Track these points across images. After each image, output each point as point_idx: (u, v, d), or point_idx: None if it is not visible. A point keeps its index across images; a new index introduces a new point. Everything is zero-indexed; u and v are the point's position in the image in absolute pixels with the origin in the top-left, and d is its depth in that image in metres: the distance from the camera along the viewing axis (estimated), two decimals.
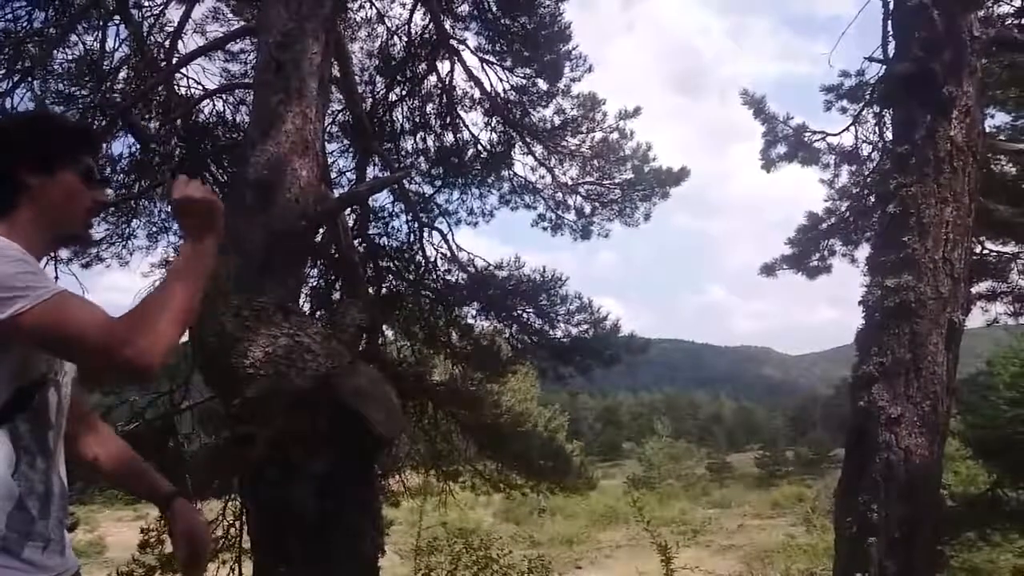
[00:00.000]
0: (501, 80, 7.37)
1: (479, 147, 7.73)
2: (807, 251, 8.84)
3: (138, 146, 6.31)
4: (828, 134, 8.27)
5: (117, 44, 6.20)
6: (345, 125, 7.27)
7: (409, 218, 7.56)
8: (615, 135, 7.61)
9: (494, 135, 7.71)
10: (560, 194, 7.92)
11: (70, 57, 6.02)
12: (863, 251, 8.27)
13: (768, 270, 9.06)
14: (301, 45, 3.52)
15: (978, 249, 7.09)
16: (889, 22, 5.02)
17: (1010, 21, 6.29)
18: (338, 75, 5.69)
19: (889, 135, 6.10)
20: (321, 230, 4.60)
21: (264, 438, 2.80)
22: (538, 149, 7.70)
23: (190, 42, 6.38)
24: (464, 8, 7.32)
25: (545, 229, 8.12)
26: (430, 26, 7.14)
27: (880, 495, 3.68)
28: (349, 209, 6.10)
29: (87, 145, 1.56)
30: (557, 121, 7.59)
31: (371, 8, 7.36)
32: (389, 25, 7.39)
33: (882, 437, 3.75)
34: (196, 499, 6.38)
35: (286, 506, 2.74)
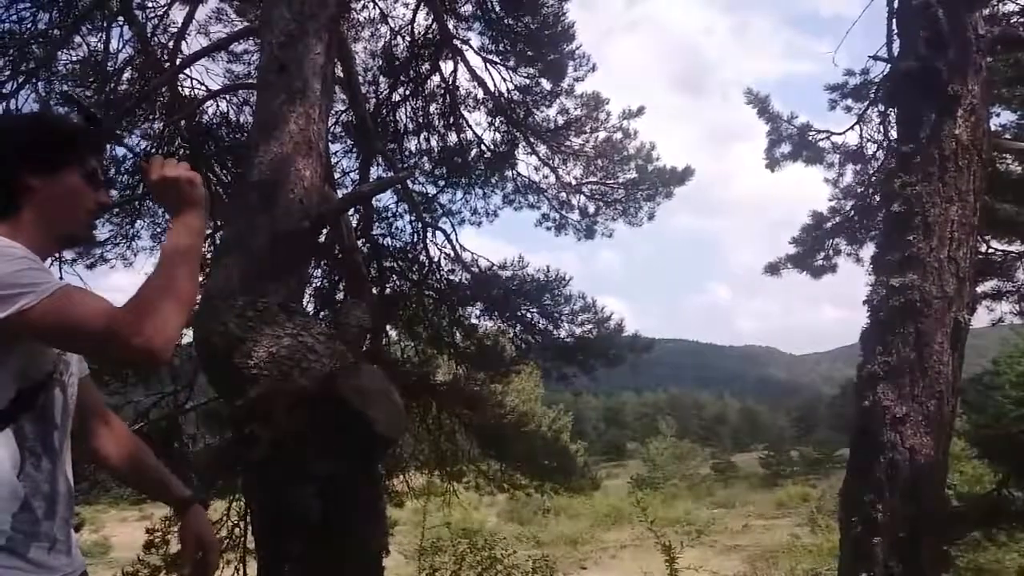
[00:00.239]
0: (504, 80, 7.38)
1: (482, 147, 7.73)
2: (812, 250, 8.82)
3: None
4: (832, 133, 8.27)
5: (121, 45, 6.22)
6: (348, 125, 7.28)
7: (413, 218, 7.58)
8: (619, 135, 7.62)
9: (497, 135, 7.73)
10: (564, 194, 7.92)
11: (74, 58, 6.05)
12: (868, 250, 8.27)
13: (772, 269, 9.06)
14: (304, 45, 3.52)
15: (983, 248, 7.07)
16: (893, 20, 5.01)
17: (1015, 19, 6.27)
18: (341, 75, 5.69)
19: (894, 134, 6.08)
20: (324, 230, 4.60)
21: (267, 438, 2.80)
22: (542, 149, 7.70)
23: (194, 43, 6.41)
24: (467, 8, 7.33)
25: (549, 229, 8.13)
26: (433, 26, 7.15)
27: (885, 495, 3.67)
28: (353, 209, 6.10)
29: (90, 146, 1.57)
30: (561, 121, 7.59)
31: (374, 8, 7.38)
32: (392, 25, 7.40)
33: (887, 437, 3.73)
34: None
35: (290, 506, 2.74)
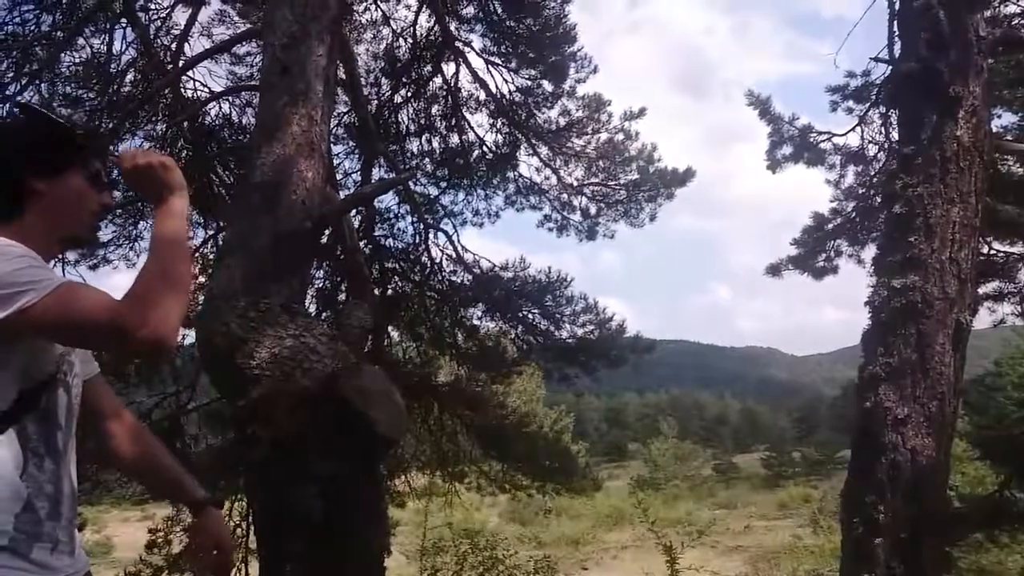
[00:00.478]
0: (506, 81, 7.39)
1: (484, 148, 7.74)
2: (813, 252, 8.82)
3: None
4: (834, 134, 8.27)
5: (124, 47, 6.24)
6: (351, 127, 7.29)
7: (414, 219, 7.59)
8: (620, 136, 7.62)
9: (499, 136, 7.73)
10: (565, 195, 7.93)
11: (77, 60, 6.06)
12: (869, 251, 8.27)
13: (774, 271, 9.05)
14: (306, 47, 3.53)
15: (985, 249, 7.06)
16: (895, 22, 5.01)
17: (1017, 21, 6.27)
18: (343, 77, 5.70)
19: (895, 135, 6.08)
20: (327, 232, 4.61)
21: (269, 439, 2.80)
22: (543, 150, 7.71)
23: (196, 45, 6.41)
24: (469, 10, 7.34)
25: (551, 230, 8.13)
26: (435, 28, 7.16)
27: (887, 496, 3.67)
28: (355, 211, 6.11)
29: (93, 148, 1.57)
30: (562, 122, 7.60)
31: (376, 10, 7.39)
32: (394, 27, 7.41)
33: (888, 438, 3.73)
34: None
35: (291, 507, 2.75)
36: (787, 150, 8.43)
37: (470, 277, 7.49)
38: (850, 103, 8.15)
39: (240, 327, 2.90)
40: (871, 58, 5.94)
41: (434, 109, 7.71)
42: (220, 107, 6.72)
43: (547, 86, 7.45)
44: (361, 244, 6.46)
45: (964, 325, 3.92)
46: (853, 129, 7.88)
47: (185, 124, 6.20)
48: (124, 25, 6.11)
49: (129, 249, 6.83)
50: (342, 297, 6.88)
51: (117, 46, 6.18)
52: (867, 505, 3.71)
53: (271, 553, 2.89)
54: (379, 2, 7.33)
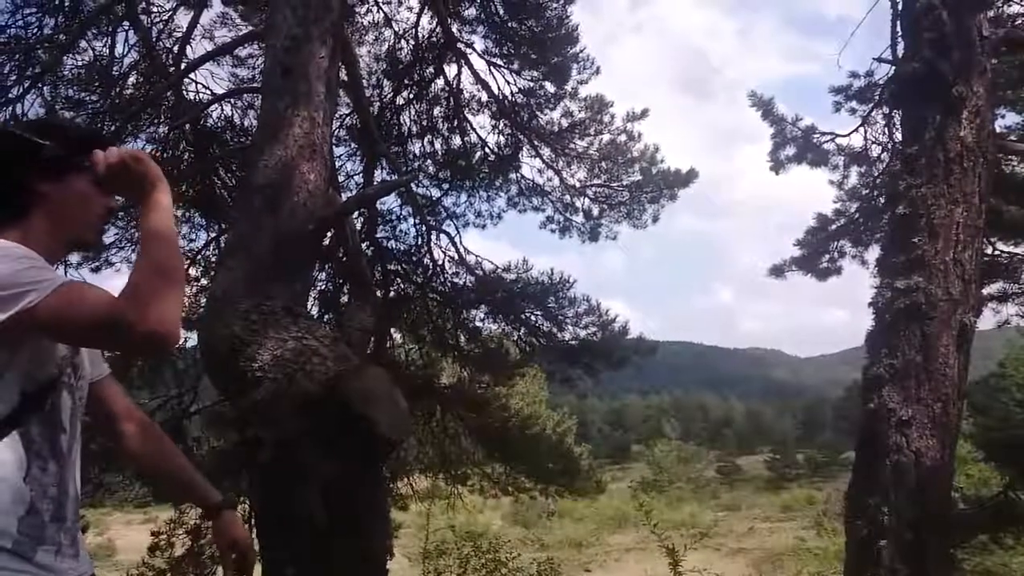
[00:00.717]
0: (508, 83, 7.39)
1: (487, 150, 7.74)
2: (817, 252, 8.81)
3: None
4: (837, 135, 8.26)
5: (126, 50, 6.26)
6: (353, 129, 7.29)
7: (417, 221, 7.59)
8: (623, 137, 7.62)
9: (501, 138, 7.74)
10: (568, 196, 7.92)
11: (80, 63, 6.08)
12: (873, 252, 8.25)
13: (777, 272, 9.04)
14: (308, 49, 3.53)
15: (989, 250, 7.04)
16: (898, 23, 5.01)
17: (1020, 21, 6.25)
18: (345, 79, 5.70)
19: (899, 136, 6.07)
20: (329, 233, 4.61)
21: (272, 441, 2.80)
22: (546, 151, 7.71)
23: (199, 47, 6.42)
24: (471, 11, 7.34)
25: (553, 231, 8.13)
26: (437, 29, 7.16)
27: (891, 498, 3.66)
28: (357, 212, 6.11)
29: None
30: (565, 123, 7.60)
31: (378, 12, 7.39)
32: (396, 29, 7.41)
33: (893, 439, 3.72)
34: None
35: (294, 508, 2.74)
36: (790, 151, 8.42)
37: (472, 279, 7.49)
38: (853, 104, 8.15)
39: (242, 329, 2.89)
40: (874, 59, 5.94)
41: (436, 111, 7.72)
42: (222, 109, 6.75)
43: (549, 87, 7.46)
44: (363, 246, 6.46)
45: (968, 326, 3.90)
46: (856, 130, 7.88)
47: (187, 126, 6.22)
48: (126, 28, 6.13)
49: (131, 252, 6.84)
50: (344, 299, 6.88)
51: (119, 49, 6.21)
52: (871, 507, 3.70)
53: (274, 555, 2.89)
54: (381, 4, 7.35)
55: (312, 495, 2.74)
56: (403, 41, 7.42)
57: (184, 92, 6.19)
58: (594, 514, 24.49)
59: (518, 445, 7.65)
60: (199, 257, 6.90)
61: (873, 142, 7.91)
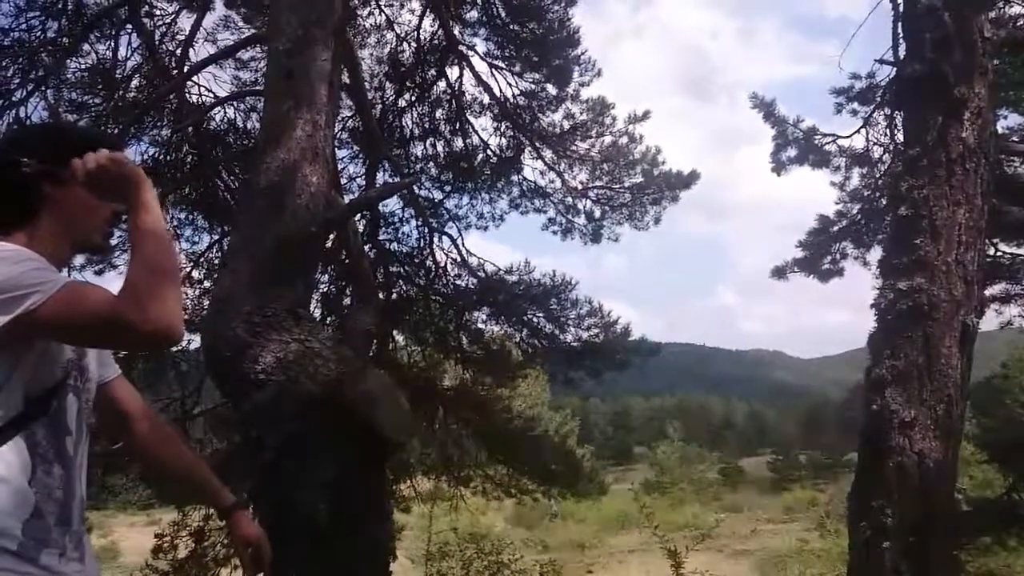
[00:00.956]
0: (510, 85, 7.39)
1: (488, 152, 7.75)
2: (818, 254, 8.80)
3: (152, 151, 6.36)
4: (839, 137, 8.26)
5: (129, 53, 6.27)
6: (355, 131, 7.31)
7: (419, 223, 7.60)
8: (624, 139, 7.63)
9: (503, 140, 7.75)
10: (570, 198, 7.93)
11: (83, 66, 6.09)
12: (875, 254, 8.23)
13: (779, 273, 9.03)
14: (311, 52, 3.54)
15: (991, 251, 7.03)
16: (899, 24, 5.00)
17: (1021, 22, 6.25)
18: (348, 82, 5.72)
19: (900, 137, 6.07)
20: (331, 236, 4.62)
21: (274, 443, 2.81)
22: (547, 154, 7.71)
23: (201, 50, 6.42)
24: (473, 14, 7.35)
25: (555, 233, 8.13)
26: (439, 32, 7.18)
27: (894, 499, 3.65)
28: (359, 215, 6.12)
29: None
30: (566, 126, 7.60)
31: (380, 15, 7.40)
32: (398, 31, 7.42)
33: (895, 441, 3.72)
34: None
35: (297, 511, 2.75)
36: (792, 152, 8.42)
37: (475, 281, 7.50)
38: (855, 105, 8.13)
39: (245, 331, 2.90)
40: (876, 60, 5.94)
41: (438, 113, 7.73)
42: (225, 112, 6.76)
43: (551, 89, 7.47)
44: (366, 248, 6.47)
45: (971, 327, 3.90)
46: (858, 131, 7.87)
47: (190, 129, 6.22)
48: (129, 31, 6.14)
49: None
50: (347, 301, 6.90)
51: (122, 52, 6.22)
52: (875, 508, 3.69)
53: (276, 557, 2.89)
54: (383, 6, 7.36)
55: (315, 497, 2.74)
56: (405, 44, 7.43)
57: (187, 95, 6.20)
58: (597, 516, 24.47)
59: (521, 447, 7.65)
60: (202, 260, 6.91)
61: (875, 143, 7.91)
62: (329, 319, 6.85)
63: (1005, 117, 7.55)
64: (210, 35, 6.60)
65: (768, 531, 21.67)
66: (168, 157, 6.49)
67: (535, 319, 7.57)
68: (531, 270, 7.45)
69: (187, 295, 6.52)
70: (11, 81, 5.69)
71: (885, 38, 5.54)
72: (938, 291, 3.83)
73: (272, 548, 1.86)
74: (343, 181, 6.89)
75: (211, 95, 6.50)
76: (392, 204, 7.59)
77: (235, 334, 2.90)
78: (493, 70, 7.32)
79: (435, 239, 7.51)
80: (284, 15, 3.62)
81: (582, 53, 7.27)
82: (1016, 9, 6.34)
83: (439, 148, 7.81)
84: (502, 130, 7.68)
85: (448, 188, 7.98)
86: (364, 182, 7.05)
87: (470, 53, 7.25)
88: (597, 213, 7.93)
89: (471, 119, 7.64)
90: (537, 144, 7.65)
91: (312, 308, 5.19)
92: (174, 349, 6.27)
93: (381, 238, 7.36)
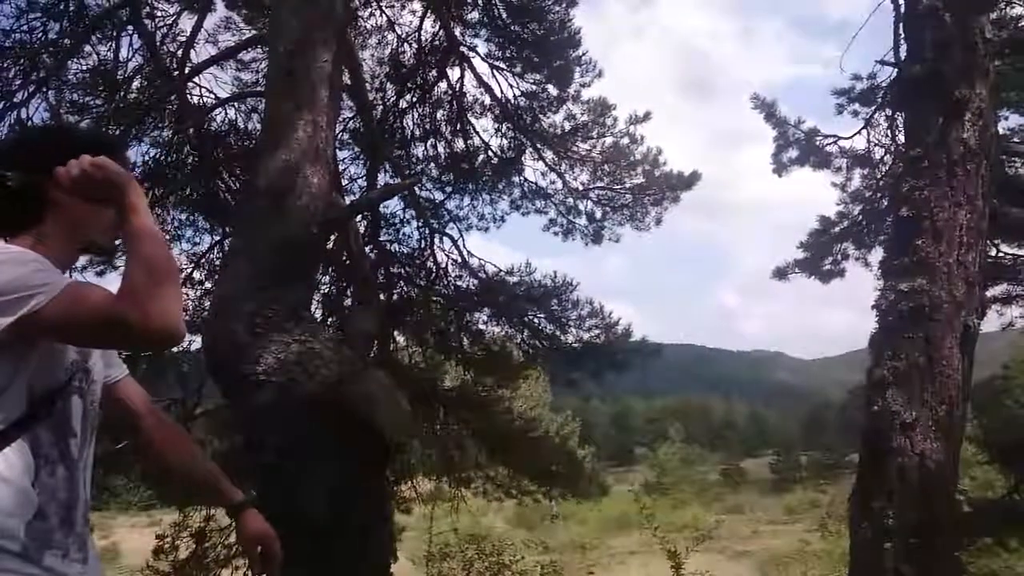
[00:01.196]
0: (511, 86, 7.40)
1: (489, 153, 7.75)
2: (820, 255, 8.80)
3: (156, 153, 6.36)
4: (840, 137, 8.25)
5: (130, 54, 6.27)
6: (356, 132, 7.31)
7: (420, 224, 7.61)
8: (625, 140, 7.63)
9: (504, 141, 7.74)
10: (571, 199, 7.93)
11: (84, 67, 6.09)
12: (876, 255, 8.23)
13: (780, 274, 9.03)
14: (312, 53, 3.54)
15: (992, 252, 7.03)
16: (900, 25, 5.00)
17: (1022, 23, 6.25)
18: (349, 82, 5.72)
19: (901, 138, 6.06)
20: (332, 237, 4.62)
21: (276, 444, 2.81)
22: (548, 154, 7.71)
23: (202, 51, 6.43)
24: (474, 15, 7.35)
25: (556, 234, 8.13)
26: (440, 33, 7.18)
27: (895, 500, 3.65)
28: (360, 216, 6.13)
29: (112, 157, 1.56)
30: (567, 126, 7.60)
31: (381, 16, 7.40)
32: (399, 32, 7.42)
33: (897, 442, 3.71)
34: (209, 505, 6.44)
35: (298, 511, 2.75)
36: (793, 153, 8.41)
37: (476, 282, 7.50)
38: (856, 106, 8.13)
39: (246, 332, 2.90)
40: (877, 61, 5.93)
41: (439, 114, 7.73)
42: (226, 113, 6.76)
43: (552, 90, 7.47)
44: (367, 249, 6.48)
45: (972, 328, 3.90)
46: (859, 132, 7.87)
47: (191, 130, 6.23)
48: (131, 32, 6.14)
49: None
50: (348, 302, 6.90)
51: (124, 53, 6.22)
52: (876, 509, 3.69)
53: None
54: (384, 7, 7.36)
55: (316, 498, 2.74)
56: (406, 44, 7.44)
57: (188, 96, 6.21)
58: (597, 517, 24.44)
59: (521, 448, 7.65)
60: (203, 261, 6.91)
61: (876, 144, 7.91)
62: (330, 320, 6.84)
63: (1006, 118, 7.55)
64: (211, 36, 6.62)
65: (769, 532, 21.67)
66: (169, 158, 6.49)
67: (536, 320, 7.57)
68: (532, 271, 7.46)
69: (188, 296, 6.53)
70: (13, 82, 5.69)
71: (886, 39, 5.54)
72: (939, 292, 3.83)
73: None
74: (344, 182, 6.90)
75: (212, 96, 6.51)
76: (393, 205, 7.60)
77: (236, 335, 2.90)
78: (494, 71, 7.33)
79: (436, 240, 7.52)
80: (285, 16, 3.63)
81: (583, 54, 7.29)
82: (1017, 10, 6.33)
83: (440, 149, 7.83)
84: (503, 131, 7.69)
85: (449, 189, 7.98)
86: (365, 183, 7.05)
87: (471, 54, 7.27)
88: (598, 214, 7.93)
89: (472, 120, 7.66)
90: (538, 145, 7.65)
91: (313, 309, 5.20)
92: (175, 349, 6.28)
93: (382, 239, 7.36)
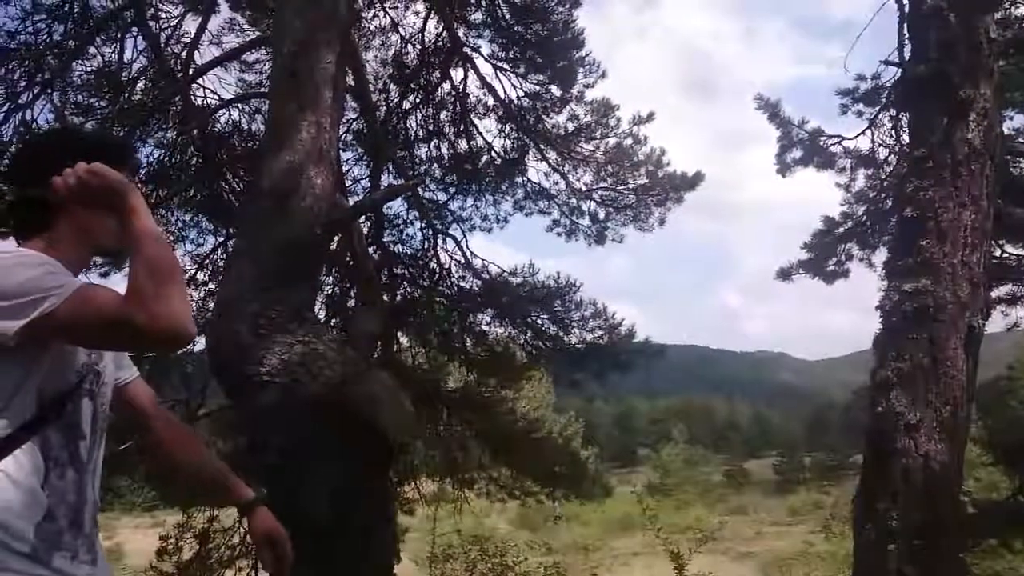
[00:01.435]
0: (515, 87, 7.40)
1: (493, 154, 7.75)
2: (824, 255, 8.78)
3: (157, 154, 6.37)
4: (844, 138, 8.23)
5: (135, 55, 6.27)
6: (359, 133, 7.32)
7: (423, 225, 7.61)
8: (629, 140, 7.62)
9: (508, 142, 7.74)
10: (574, 200, 7.93)
11: (88, 69, 6.10)
12: (880, 255, 8.22)
13: (784, 274, 9.02)
14: (315, 54, 3.55)
15: (997, 252, 7.01)
16: (905, 25, 4.99)
17: None
18: (352, 84, 5.72)
19: (906, 138, 6.06)
20: (336, 238, 4.62)
21: (279, 444, 2.81)
22: (552, 155, 7.71)
23: (206, 53, 6.44)
24: (477, 16, 7.36)
25: (559, 235, 8.13)
26: (443, 34, 7.18)
27: (899, 501, 3.64)
28: (364, 217, 6.13)
29: (121, 161, 1.55)
30: (571, 127, 7.60)
31: (385, 17, 7.41)
32: (403, 33, 7.43)
33: (901, 443, 3.71)
34: (215, 505, 6.45)
35: (301, 512, 2.75)
36: (797, 154, 8.40)
37: (479, 282, 7.50)
38: (860, 106, 8.12)
39: (250, 333, 2.91)
40: (881, 61, 5.93)
41: (443, 115, 7.74)
42: (230, 114, 6.77)
43: (555, 91, 7.46)
44: (370, 250, 6.48)
45: (976, 329, 3.89)
46: (863, 132, 7.86)
47: (195, 131, 6.24)
48: (135, 34, 6.15)
49: None
50: (351, 303, 6.90)
51: (128, 55, 6.23)
52: (880, 510, 3.68)
53: None
54: (388, 8, 7.36)
55: (319, 498, 2.75)
56: (409, 46, 7.44)
57: (192, 97, 6.21)
58: (601, 518, 24.43)
59: (524, 449, 7.64)
60: (207, 262, 6.93)
61: (880, 145, 7.90)
62: (334, 321, 6.85)
63: (1011, 118, 7.52)
64: (215, 38, 6.62)
65: (772, 533, 21.65)
66: (173, 159, 6.50)
67: (539, 321, 7.56)
68: (535, 272, 7.46)
69: (192, 297, 6.54)
70: (17, 84, 5.70)
71: (890, 39, 5.53)
72: (944, 292, 3.82)
73: None
74: (348, 183, 6.91)
75: (216, 97, 6.52)
76: (396, 206, 7.60)
77: (240, 336, 2.91)
78: (497, 72, 7.33)
79: (439, 241, 7.52)
80: (289, 18, 3.64)
81: (586, 55, 7.28)
82: (1022, 10, 6.31)
83: (443, 150, 7.83)
84: (506, 132, 7.68)
85: (452, 190, 7.98)
86: (369, 184, 7.05)
87: (474, 55, 7.27)
88: (601, 214, 7.93)
89: (475, 121, 7.66)
90: (541, 146, 7.65)
91: (316, 310, 5.21)
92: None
93: (385, 240, 7.37)
